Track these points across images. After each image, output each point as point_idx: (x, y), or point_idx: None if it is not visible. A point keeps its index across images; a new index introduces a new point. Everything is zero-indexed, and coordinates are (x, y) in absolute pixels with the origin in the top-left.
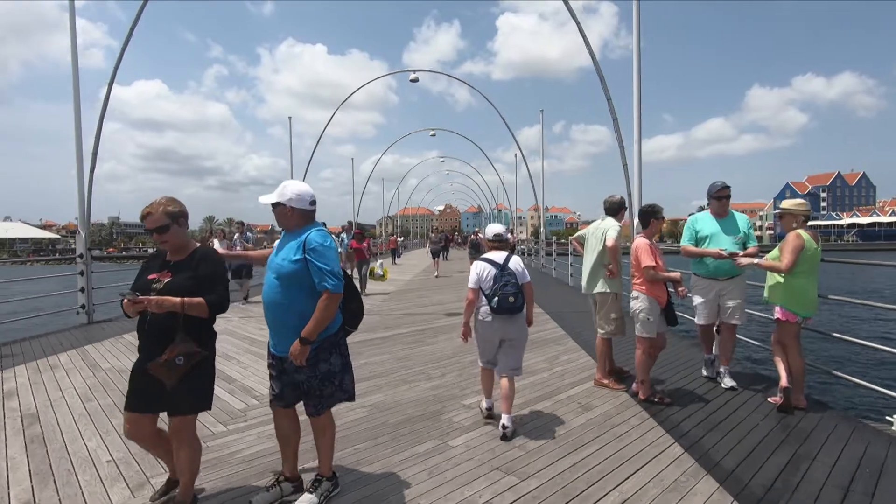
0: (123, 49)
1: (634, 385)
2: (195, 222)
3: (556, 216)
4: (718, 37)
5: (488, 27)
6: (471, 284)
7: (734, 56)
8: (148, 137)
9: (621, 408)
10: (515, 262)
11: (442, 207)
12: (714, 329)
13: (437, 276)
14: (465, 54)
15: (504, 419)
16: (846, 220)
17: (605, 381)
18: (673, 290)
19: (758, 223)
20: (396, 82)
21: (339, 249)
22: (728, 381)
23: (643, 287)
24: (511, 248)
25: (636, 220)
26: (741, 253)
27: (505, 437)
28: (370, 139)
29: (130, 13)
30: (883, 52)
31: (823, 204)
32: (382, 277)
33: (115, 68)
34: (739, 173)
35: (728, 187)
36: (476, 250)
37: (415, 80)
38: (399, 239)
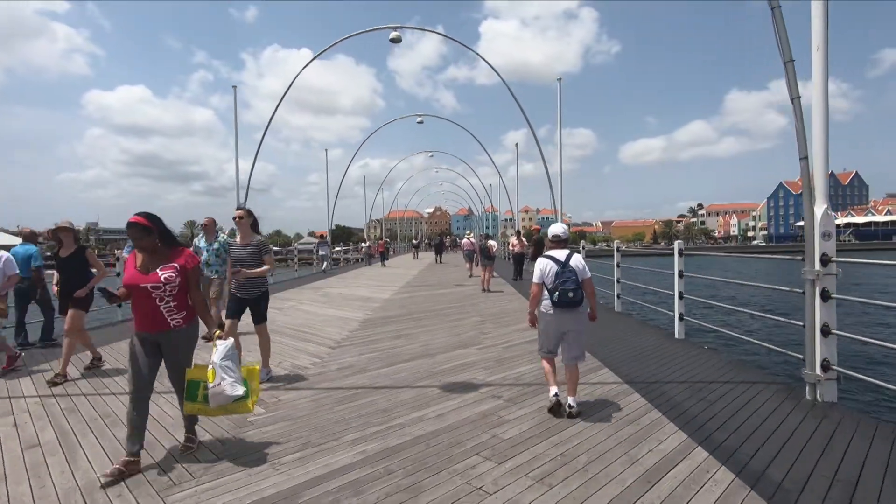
0: None
1: None
2: (179, 227)
3: (547, 218)
4: (696, 39)
5: (471, 33)
6: (535, 280)
7: (712, 59)
8: (132, 143)
9: None
10: (576, 260)
11: (431, 210)
12: None
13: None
14: (449, 59)
15: (570, 400)
16: (842, 220)
17: None
18: None
19: (751, 223)
20: (383, 87)
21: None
22: None
23: None
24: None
25: (817, 214)
26: None
27: (570, 416)
28: (358, 143)
29: (114, 20)
30: (855, 56)
31: None
32: (222, 403)
33: None
34: (723, 175)
35: None
36: (487, 257)
37: (396, 40)
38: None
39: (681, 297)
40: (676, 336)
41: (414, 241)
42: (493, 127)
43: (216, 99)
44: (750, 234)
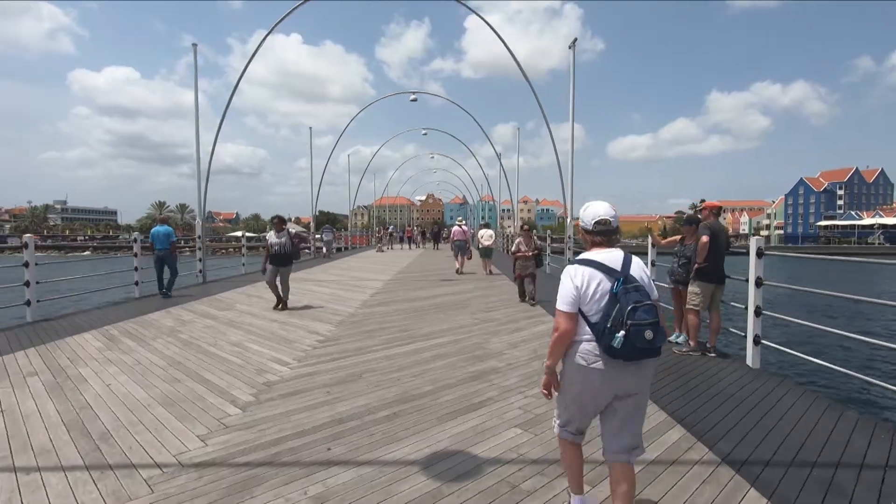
0: None
1: None
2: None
3: (547, 210)
4: (679, 39)
5: (456, 27)
6: (564, 306)
7: (693, 59)
8: (118, 124)
9: None
10: (638, 268)
11: (424, 197)
12: None
13: None
14: (435, 52)
15: None
16: (869, 220)
17: None
18: None
19: (765, 222)
20: (374, 76)
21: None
22: None
23: None
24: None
25: None
26: None
27: None
28: (348, 131)
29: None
30: (832, 61)
31: (840, 202)
32: None
33: None
34: (710, 173)
35: None
36: (486, 254)
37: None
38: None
39: (758, 313)
40: (751, 365)
41: (388, 228)
42: (481, 119)
43: (204, 83)
44: (763, 232)
